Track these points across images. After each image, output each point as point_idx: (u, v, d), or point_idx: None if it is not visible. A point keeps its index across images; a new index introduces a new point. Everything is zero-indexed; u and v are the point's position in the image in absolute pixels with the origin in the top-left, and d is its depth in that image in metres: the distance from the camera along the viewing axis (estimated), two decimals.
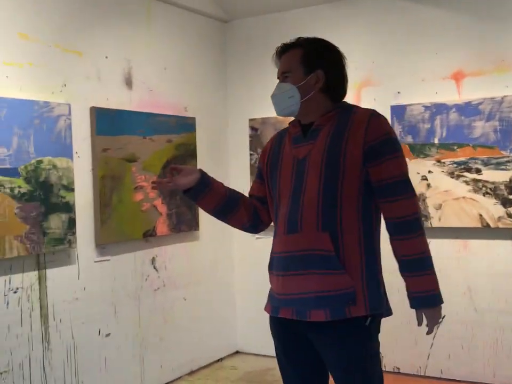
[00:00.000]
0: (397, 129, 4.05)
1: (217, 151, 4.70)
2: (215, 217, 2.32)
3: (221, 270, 4.72)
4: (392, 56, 4.18)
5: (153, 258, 4.06)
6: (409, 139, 4.03)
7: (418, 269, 2.03)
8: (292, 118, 2.23)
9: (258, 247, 4.48)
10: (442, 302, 2.05)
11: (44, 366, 3.28)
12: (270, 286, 2.21)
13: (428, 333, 2.08)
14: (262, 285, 4.53)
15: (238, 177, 4.73)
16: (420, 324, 2.05)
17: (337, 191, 2.01)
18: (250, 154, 4.71)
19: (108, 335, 3.70)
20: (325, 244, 2.00)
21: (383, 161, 2.01)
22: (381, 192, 2.03)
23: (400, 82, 4.13)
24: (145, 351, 3.98)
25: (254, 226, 2.34)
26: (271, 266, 2.18)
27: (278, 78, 2.18)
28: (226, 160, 4.79)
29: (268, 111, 4.55)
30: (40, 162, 3.23)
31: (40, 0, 3.32)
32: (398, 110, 4.07)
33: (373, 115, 2.05)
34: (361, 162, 2.01)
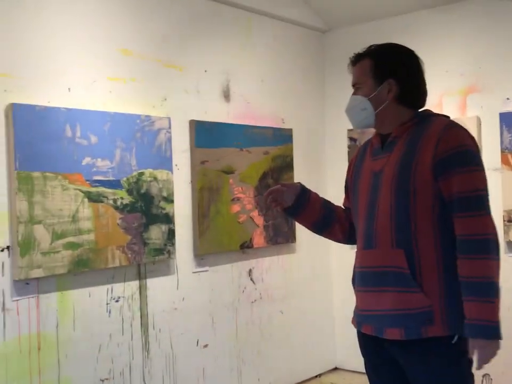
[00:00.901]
0: (507, 137, 3.80)
1: (314, 163, 4.63)
2: (312, 231, 2.33)
3: (319, 282, 4.63)
4: (500, 61, 3.93)
5: (250, 270, 4.05)
6: None
7: (477, 294, 1.84)
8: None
9: None
10: (499, 338, 1.83)
11: (144, 374, 3.34)
12: None
13: (477, 368, 1.90)
14: None
15: (336, 189, 4.59)
16: (470, 354, 1.87)
17: (410, 206, 1.92)
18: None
19: (205, 346, 3.72)
20: (399, 261, 1.93)
21: (453, 175, 1.88)
22: (452, 207, 1.90)
23: (509, 88, 3.88)
24: (243, 363, 3.96)
25: (350, 239, 2.30)
26: (353, 281, 2.14)
27: (352, 86, 2.12)
28: (324, 171, 4.71)
29: None
30: (141, 174, 3.31)
31: (143, 16, 3.43)
32: (507, 117, 3.82)
33: (447, 126, 1.94)
34: (433, 177, 1.90)
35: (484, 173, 1.93)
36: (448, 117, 2.08)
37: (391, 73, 2.03)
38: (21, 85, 2.85)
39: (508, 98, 3.88)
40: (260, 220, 4.05)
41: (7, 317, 2.76)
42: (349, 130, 4.60)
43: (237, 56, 4.00)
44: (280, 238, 4.23)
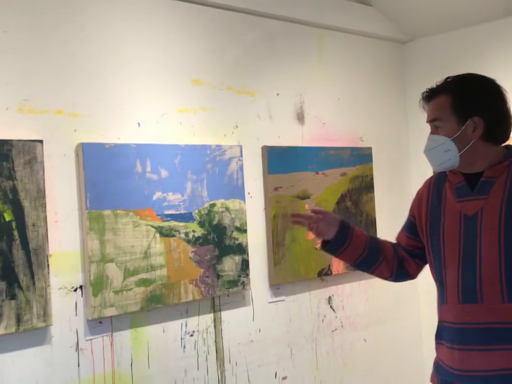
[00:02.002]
0: None
1: (397, 181, 4.40)
2: (355, 268, 2.27)
3: (405, 309, 4.39)
4: None
5: (330, 297, 3.89)
6: None
7: None
8: None
9: None
10: None
11: None
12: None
13: None
14: None
15: None
16: None
17: None
18: None
19: (284, 378, 3.60)
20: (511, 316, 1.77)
21: None
22: None
23: None
24: None
25: (398, 278, 2.20)
26: (440, 336, 1.97)
27: (427, 122, 2.00)
28: (408, 191, 4.45)
29: None
30: (213, 205, 3.25)
31: (211, 44, 3.36)
32: None
33: None
34: None
35: None
36: None
37: (475, 110, 1.87)
38: (90, 124, 2.85)
39: None
40: None
41: (81, 356, 2.77)
42: None
43: (310, 76, 3.86)
44: None
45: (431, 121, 1.97)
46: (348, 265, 2.24)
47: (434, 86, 1.98)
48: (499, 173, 1.86)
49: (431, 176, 2.17)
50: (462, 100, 1.89)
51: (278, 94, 3.66)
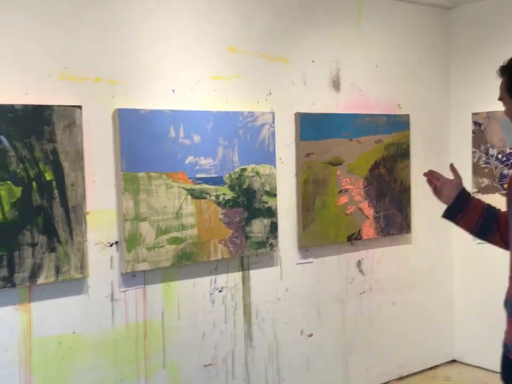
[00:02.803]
0: None
1: (434, 149, 4.41)
2: (473, 236, 2.26)
3: (438, 275, 4.46)
4: None
5: (359, 261, 4.00)
6: None
7: None
8: None
9: (481, 253, 4.13)
10: None
11: (246, 362, 3.49)
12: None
13: None
14: (485, 292, 4.22)
15: None
16: None
17: None
18: (473, 152, 4.32)
19: (310, 335, 3.78)
20: None
21: None
22: None
23: None
24: (350, 354, 3.97)
25: None
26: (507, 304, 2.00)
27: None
28: (445, 158, 4.45)
29: (493, 104, 4.14)
30: (244, 170, 3.39)
31: (246, 12, 3.45)
32: None
33: None
34: None
35: None
36: None
37: None
38: (127, 90, 3.03)
39: None
40: (369, 211, 3.97)
41: (115, 306, 3.02)
42: (474, 114, 4.30)
43: (348, 42, 3.89)
44: (393, 229, 4.11)
45: (499, 99, 1.99)
46: (467, 231, 2.26)
47: (505, 64, 1.97)
48: None
49: None
50: None
51: (313, 61, 3.72)
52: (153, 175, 3.07)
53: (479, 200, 2.21)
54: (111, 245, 3.00)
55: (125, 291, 3.05)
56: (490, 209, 2.20)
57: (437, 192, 2.23)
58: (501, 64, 1.96)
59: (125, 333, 3.05)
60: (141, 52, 3.08)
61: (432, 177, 2.25)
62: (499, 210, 2.20)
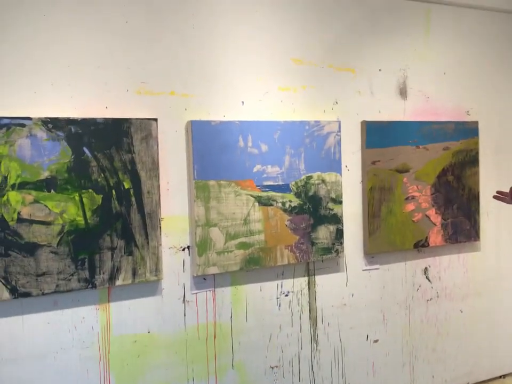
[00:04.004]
0: None
1: (503, 156, 4.34)
2: None
3: (506, 283, 4.39)
4: None
5: (426, 268, 4.01)
6: None
7: None
8: None
9: None
10: None
11: (312, 364, 3.58)
12: None
13: None
14: None
15: None
16: None
17: None
18: None
19: (376, 341, 3.82)
20: None
21: None
22: None
23: None
24: (415, 360, 3.99)
25: None
26: None
27: None
28: None
29: None
30: (309, 177, 3.49)
31: (312, 23, 3.54)
32: None
33: None
34: None
35: None
36: None
37: None
38: (199, 103, 3.18)
39: None
40: (437, 218, 3.97)
41: (187, 307, 3.18)
42: None
43: (415, 51, 3.91)
44: (461, 237, 4.09)
45: None
46: None
47: None
48: None
49: None
50: None
51: (380, 70, 3.77)
52: (223, 183, 3.22)
53: None
54: (183, 249, 3.16)
55: (196, 293, 3.20)
56: None
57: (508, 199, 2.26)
58: None
59: (196, 333, 3.21)
60: (211, 65, 3.23)
61: (500, 195, 2.29)
62: None
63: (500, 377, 4.39)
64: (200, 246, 3.17)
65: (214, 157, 3.19)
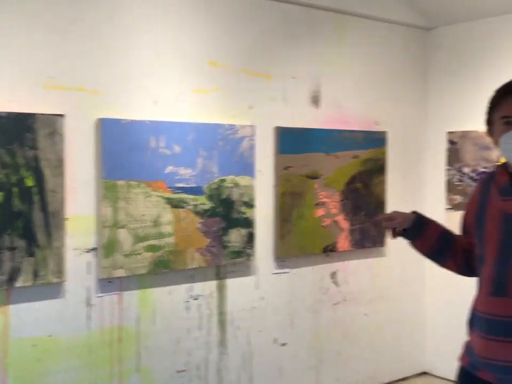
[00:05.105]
0: None
1: (410, 166, 4.53)
2: (428, 259, 2.33)
3: (410, 287, 4.57)
4: None
5: (334, 273, 4.10)
6: None
7: None
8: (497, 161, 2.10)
9: None
10: None
11: (219, 368, 3.56)
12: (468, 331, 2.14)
13: None
14: (457, 305, 4.31)
15: (433, 194, 4.52)
16: None
17: None
18: (447, 170, 4.45)
19: (283, 344, 3.86)
20: None
21: None
22: None
23: None
24: (322, 363, 4.06)
25: (464, 274, 2.29)
26: (472, 324, 2.09)
27: (506, 117, 1.97)
28: (421, 175, 4.59)
29: (468, 124, 4.28)
30: (223, 181, 3.48)
31: (228, 27, 3.55)
32: None
33: None
34: None
35: None
36: None
37: None
38: (110, 101, 3.11)
39: None
40: (345, 224, 4.07)
41: (92, 311, 3.08)
42: (449, 133, 4.43)
43: (328, 60, 4.00)
44: (368, 242, 4.22)
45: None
46: (422, 254, 2.34)
47: None
48: None
49: (480, 178, 2.25)
50: None
51: (293, 78, 3.83)
52: (133, 183, 3.15)
53: (436, 225, 2.26)
54: (88, 251, 3.07)
55: (101, 296, 3.11)
56: (446, 235, 2.26)
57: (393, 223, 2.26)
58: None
59: (100, 337, 3.11)
60: (124, 63, 3.16)
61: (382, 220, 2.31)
62: (455, 235, 2.27)
63: (402, 379, 4.55)
64: (107, 248, 3.08)
65: (124, 157, 3.12)
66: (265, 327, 3.77)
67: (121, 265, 3.12)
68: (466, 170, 4.32)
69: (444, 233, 2.25)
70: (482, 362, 1.99)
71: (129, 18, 3.17)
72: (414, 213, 2.26)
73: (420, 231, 2.22)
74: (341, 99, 4.09)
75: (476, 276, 2.22)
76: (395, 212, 2.26)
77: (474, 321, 2.06)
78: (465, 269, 2.25)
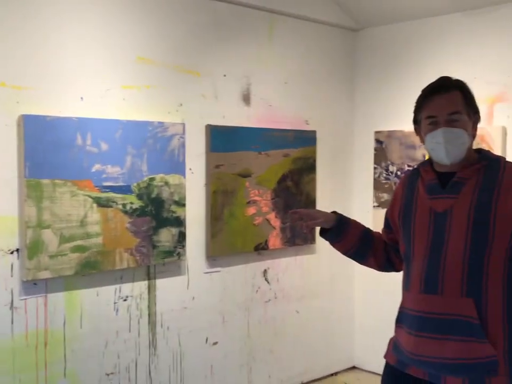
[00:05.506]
0: None
1: (339, 165, 4.61)
2: (348, 257, 2.34)
3: (340, 284, 4.65)
4: None
5: (265, 270, 4.12)
6: None
7: None
8: (421, 159, 2.12)
9: None
10: None
11: (149, 370, 3.51)
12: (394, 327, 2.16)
13: None
14: (384, 300, 4.42)
15: (361, 192, 4.62)
16: None
17: (485, 255, 1.89)
18: (374, 168, 4.56)
19: (215, 343, 3.84)
20: (468, 310, 1.90)
21: None
22: None
23: None
24: (253, 361, 4.07)
25: (386, 270, 2.33)
26: (400, 320, 2.10)
27: (431, 117, 1.99)
28: (349, 173, 4.68)
29: (394, 124, 4.40)
30: (152, 179, 3.42)
31: (159, 24, 3.49)
32: None
33: None
34: (511, 230, 1.87)
35: None
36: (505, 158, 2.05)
37: (475, 109, 2.01)
38: (33, 96, 2.99)
39: None
40: (276, 222, 4.10)
41: (15, 314, 2.96)
42: (376, 132, 4.54)
43: (259, 59, 4.01)
44: (299, 240, 4.26)
45: (452, 113, 1.96)
46: (343, 254, 2.33)
47: (442, 80, 2.02)
48: (470, 175, 1.94)
49: (405, 174, 2.25)
50: (468, 98, 1.98)
51: (224, 75, 3.81)
52: (58, 182, 3.05)
53: (357, 224, 2.28)
54: (11, 252, 2.95)
55: (25, 299, 3.00)
56: (367, 233, 2.28)
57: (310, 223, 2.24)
58: (446, 80, 2.01)
59: (25, 341, 3.00)
60: (49, 58, 3.06)
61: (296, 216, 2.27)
62: (374, 233, 2.31)
63: (332, 374, 4.63)
64: (31, 249, 2.97)
65: (49, 155, 3.02)
66: (196, 326, 3.74)
67: (46, 266, 3.01)
68: (392, 168, 4.44)
69: (365, 232, 2.28)
70: (413, 359, 2.00)
71: (55, 11, 3.06)
72: (334, 213, 2.27)
73: (342, 231, 2.23)
74: (272, 98, 4.11)
75: (397, 271, 2.28)
76: (317, 211, 2.27)
77: (402, 319, 2.08)
78: (386, 265, 2.29)
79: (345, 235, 2.24)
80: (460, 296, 1.90)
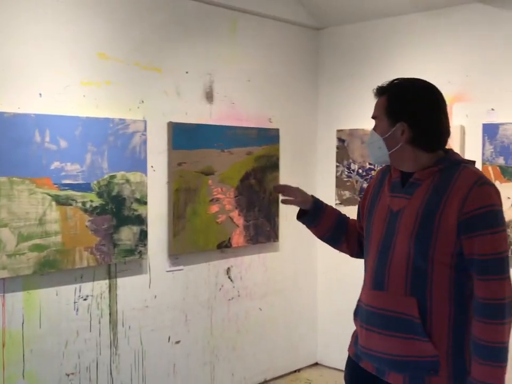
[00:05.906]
0: (488, 149, 3.74)
1: (302, 163, 4.64)
2: (323, 241, 2.37)
3: (302, 281, 4.68)
4: (488, 70, 3.84)
5: (228, 268, 4.12)
6: (501, 161, 3.71)
7: (487, 357, 1.83)
8: None
9: (344, 260, 4.35)
10: None
11: (111, 370, 3.47)
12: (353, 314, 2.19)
13: None
14: (346, 297, 4.44)
15: (324, 189, 4.65)
16: None
17: (429, 257, 1.90)
18: (337, 166, 4.60)
19: (177, 342, 3.82)
20: (411, 309, 1.92)
21: (476, 236, 1.85)
22: (471, 267, 1.88)
23: (495, 99, 3.80)
24: (216, 359, 4.06)
25: (358, 256, 2.34)
26: (356, 313, 2.15)
27: (373, 118, 2.07)
28: (312, 171, 4.72)
29: (356, 122, 4.45)
30: (113, 177, 3.39)
31: (120, 20, 3.45)
32: (490, 129, 3.75)
33: (476, 183, 1.87)
34: (456, 233, 1.87)
35: (506, 233, 1.89)
36: (474, 162, 2.03)
37: (403, 115, 1.96)
38: None
39: (492, 109, 3.81)
40: (240, 220, 4.10)
41: None
42: (338, 131, 4.58)
43: (222, 56, 4.00)
44: (262, 237, 4.27)
45: (372, 118, 2.05)
46: (318, 237, 2.35)
47: (384, 85, 2.03)
48: (426, 177, 1.95)
49: (380, 168, 2.25)
50: (393, 104, 1.97)
51: (187, 72, 3.79)
52: (16, 180, 2.99)
53: (332, 209, 2.32)
54: None
55: None
56: (343, 220, 2.32)
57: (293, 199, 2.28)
58: (379, 85, 2.03)
59: None
60: (6, 53, 2.99)
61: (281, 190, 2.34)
62: (349, 219, 2.35)
63: (295, 371, 4.66)
64: None
65: (6, 152, 2.95)
66: (158, 325, 3.71)
67: (4, 266, 2.95)
68: (354, 167, 4.49)
69: (340, 216, 2.32)
70: (363, 352, 2.06)
71: (14, 7, 3.00)
72: (312, 196, 2.30)
73: (318, 215, 2.26)
74: (235, 96, 4.10)
75: None
76: (298, 190, 2.27)
77: (357, 312, 2.14)
78: (358, 252, 2.32)
79: (322, 220, 2.26)
80: (404, 295, 1.93)
